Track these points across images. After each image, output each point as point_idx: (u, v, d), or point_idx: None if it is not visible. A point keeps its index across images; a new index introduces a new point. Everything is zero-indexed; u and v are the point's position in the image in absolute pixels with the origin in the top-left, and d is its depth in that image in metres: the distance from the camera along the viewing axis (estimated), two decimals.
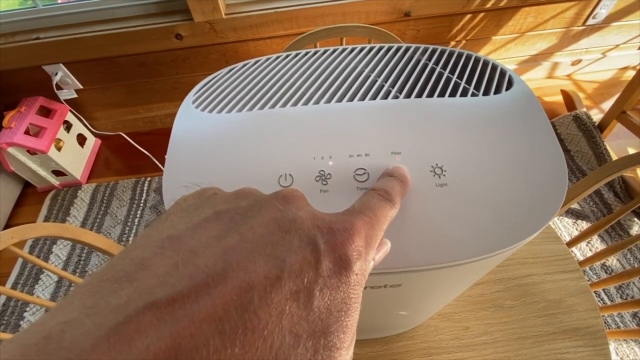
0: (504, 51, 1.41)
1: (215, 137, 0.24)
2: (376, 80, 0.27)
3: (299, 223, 0.13)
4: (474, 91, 0.25)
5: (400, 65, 0.28)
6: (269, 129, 0.24)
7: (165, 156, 0.24)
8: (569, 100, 1.41)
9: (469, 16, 1.25)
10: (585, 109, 1.34)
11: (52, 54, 1.16)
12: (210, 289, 0.10)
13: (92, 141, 1.45)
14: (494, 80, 0.26)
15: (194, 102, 0.27)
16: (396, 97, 0.25)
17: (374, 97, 0.25)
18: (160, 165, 1.37)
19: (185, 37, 1.16)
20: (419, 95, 0.25)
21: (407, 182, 0.20)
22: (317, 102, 0.25)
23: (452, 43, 1.34)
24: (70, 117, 1.33)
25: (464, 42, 1.35)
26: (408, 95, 0.25)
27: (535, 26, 1.32)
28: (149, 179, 1.34)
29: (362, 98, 0.25)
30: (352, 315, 0.12)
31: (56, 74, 1.22)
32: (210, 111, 0.26)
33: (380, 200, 0.17)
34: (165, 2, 1.13)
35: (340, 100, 0.25)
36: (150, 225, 0.14)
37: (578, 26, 1.35)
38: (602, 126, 1.27)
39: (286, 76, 0.28)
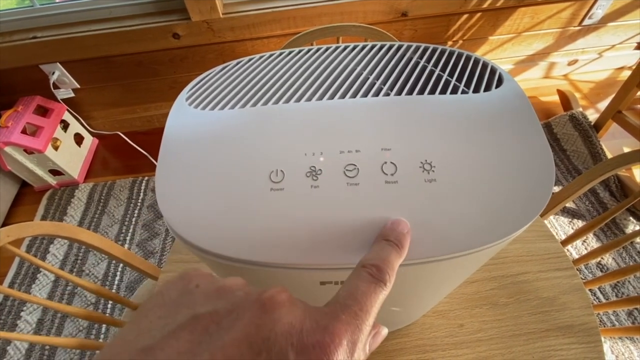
0: (501, 51, 1.42)
1: (208, 134, 0.24)
2: (368, 78, 0.27)
3: (271, 342, 0.13)
4: (464, 89, 0.26)
5: (392, 63, 0.29)
6: (262, 126, 0.24)
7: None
8: (565, 100, 1.42)
9: (465, 16, 1.25)
10: (581, 109, 1.35)
11: (49, 53, 1.16)
12: None
13: (89, 140, 1.45)
14: (484, 78, 0.27)
15: (187, 99, 0.27)
16: (387, 94, 0.25)
17: (366, 95, 0.25)
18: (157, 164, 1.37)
19: (182, 36, 1.16)
20: (410, 92, 0.25)
21: (404, 246, 0.18)
22: (309, 100, 0.25)
23: (449, 43, 1.35)
24: (67, 116, 1.33)
25: (461, 42, 1.35)
26: (399, 93, 0.25)
27: (532, 26, 1.33)
28: (146, 178, 1.34)
29: (354, 95, 0.25)
30: None
31: (53, 73, 1.22)
32: (204, 108, 0.26)
33: (370, 282, 0.16)
34: (162, 1, 1.13)
35: (332, 97, 0.25)
36: (131, 322, 0.14)
37: (574, 26, 1.36)
38: (598, 126, 1.28)
39: (279, 74, 0.28)
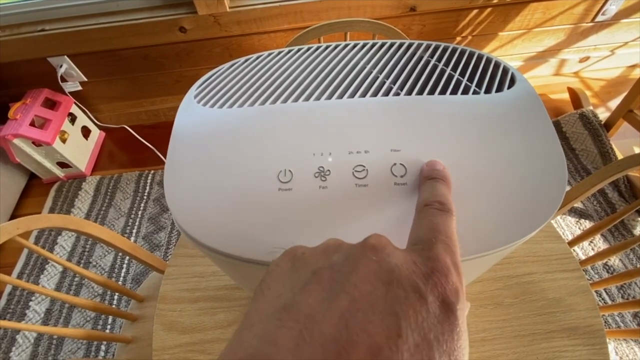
0: (511, 47, 1.40)
1: (216, 132, 0.24)
2: (377, 77, 0.27)
3: (396, 272, 0.13)
4: (476, 89, 0.25)
5: (402, 62, 0.28)
6: (270, 125, 0.24)
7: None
8: (576, 98, 1.40)
9: (475, 11, 1.23)
10: (591, 107, 1.32)
11: (57, 46, 1.17)
12: (344, 357, 0.11)
13: (96, 134, 1.46)
14: (496, 78, 0.26)
15: (195, 96, 0.27)
16: (397, 94, 0.25)
17: (375, 94, 0.25)
18: (163, 158, 1.38)
19: (189, 30, 1.16)
20: (420, 92, 0.25)
21: (449, 179, 0.20)
22: (318, 99, 0.25)
23: (458, 39, 1.33)
24: (74, 109, 1.33)
25: (470, 37, 1.33)
26: (409, 93, 0.25)
27: (543, 22, 1.30)
28: (152, 171, 1.34)
29: (363, 95, 0.25)
30: (465, 347, 0.13)
31: (61, 66, 1.23)
32: (212, 106, 0.26)
33: (443, 215, 0.17)
34: None
35: (341, 96, 0.25)
36: (255, 298, 0.15)
37: (587, 22, 1.33)
38: (608, 125, 1.26)
39: (288, 72, 0.28)
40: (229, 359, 0.12)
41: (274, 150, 0.22)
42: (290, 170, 0.22)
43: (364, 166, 0.21)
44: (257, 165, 0.22)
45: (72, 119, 1.33)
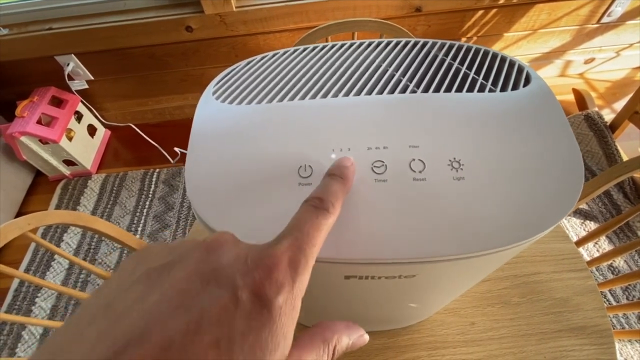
0: (516, 48, 1.40)
1: (235, 128, 0.25)
2: (394, 75, 0.27)
3: (219, 270, 0.13)
4: (491, 87, 0.25)
5: (418, 60, 0.29)
6: (288, 121, 0.24)
7: (184, 150, 0.25)
8: (581, 99, 1.40)
9: (481, 12, 1.23)
10: (597, 109, 1.32)
11: (64, 44, 1.18)
12: (129, 350, 0.11)
13: (102, 132, 1.47)
14: (512, 76, 0.26)
15: (214, 93, 0.28)
16: (414, 91, 0.25)
17: (392, 91, 0.25)
18: (169, 156, 1.38)
19: (195, 29, 1.17)
20: (437, 90, 0.25)
21: (347, 177, 0.20)
22: (335, 95, 0.25)
23: (463, 39, 1.33)
24: (81, 107, 1.34)
25: (475, 38, 1.33)
26: (426, 90, 0.25)
27: (549, 23, 1.30)
28: (157, 170, 1.35)
29: (380, 92, 0.25)
30: (280, 348, 0.13)
31: (68, 64, 1.24)
32: (230, 102, 0.26)
33: (312, 212, 0.17)
34: None
35: (358, 93, 0.26)
36: (99, 287, 0.15)
37: (592, 24, 1.33)
38: (613, 126, 1.26)
39: (305, 69, 0.28)
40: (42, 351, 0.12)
41: (294, 146, 0.23)
42: (310, 166, 0.22)
43: (382, 162, 0.22)
44: (278, 161, 0.22)
45: (79, 117, 1.34)
